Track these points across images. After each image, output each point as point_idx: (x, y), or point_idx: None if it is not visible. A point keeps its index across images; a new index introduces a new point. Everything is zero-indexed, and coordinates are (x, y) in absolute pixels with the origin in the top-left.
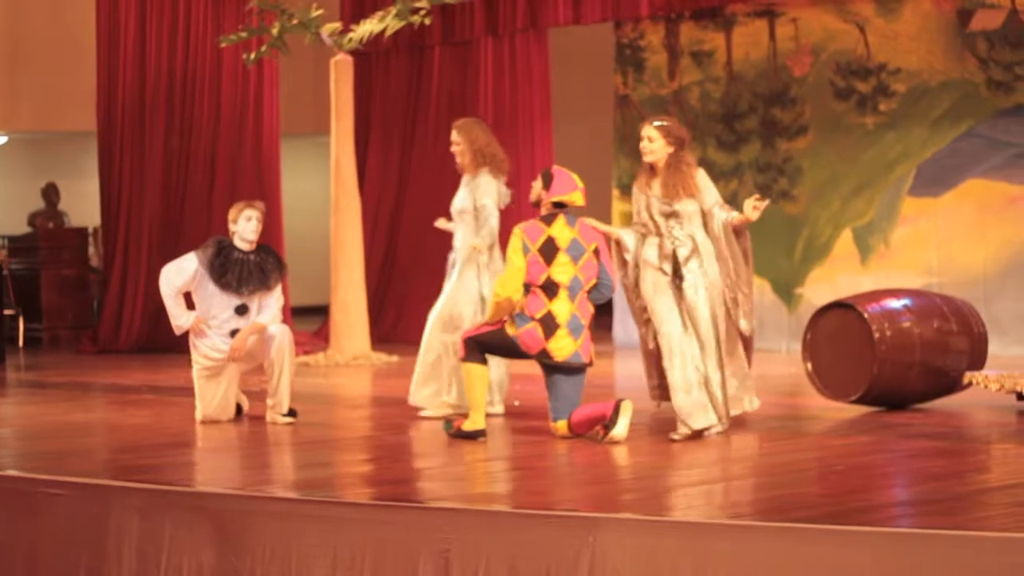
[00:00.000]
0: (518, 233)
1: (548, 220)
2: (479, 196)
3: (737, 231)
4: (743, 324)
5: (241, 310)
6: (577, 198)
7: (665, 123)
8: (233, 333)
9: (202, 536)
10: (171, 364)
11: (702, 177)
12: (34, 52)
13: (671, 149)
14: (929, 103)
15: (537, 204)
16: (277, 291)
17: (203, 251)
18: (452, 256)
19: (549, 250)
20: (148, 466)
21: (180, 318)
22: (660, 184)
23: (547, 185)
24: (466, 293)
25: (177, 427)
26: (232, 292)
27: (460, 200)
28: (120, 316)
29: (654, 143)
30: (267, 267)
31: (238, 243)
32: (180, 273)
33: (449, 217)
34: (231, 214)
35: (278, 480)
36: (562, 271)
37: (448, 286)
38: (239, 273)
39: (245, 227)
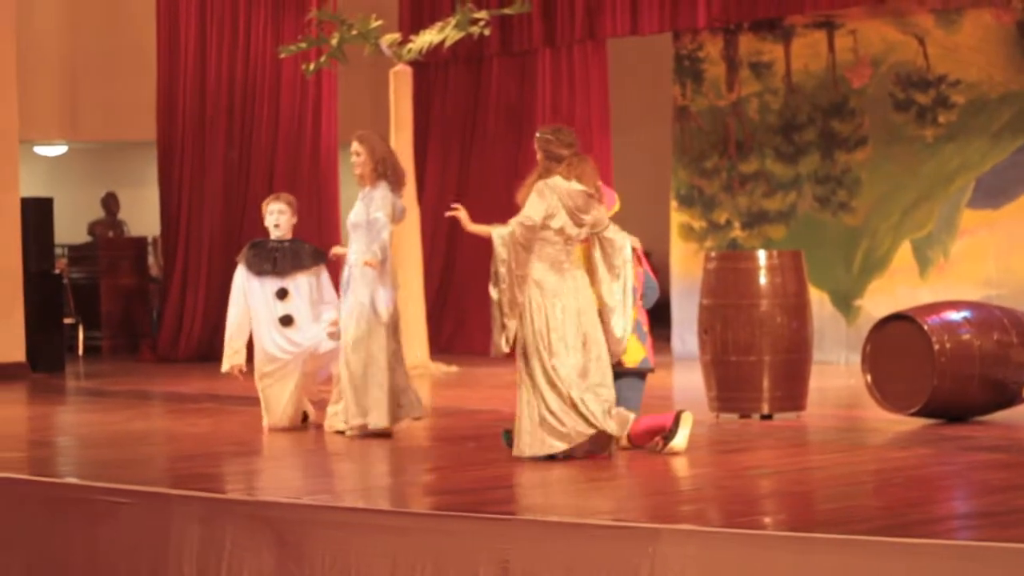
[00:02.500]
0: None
1: None
2: (373, 209)
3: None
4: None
5: (281, 294)
6: (617, 206)
7: (548, 136)
8: (283, 320)
9: (262, 545)
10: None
11: (539, 190)
12: (94, 62)
13: (540, 163)
14: (989, 115)
15: None
16: (323, 280)
17: (241, 254)
18: (346, 271)
19: None
20: (208, 475)
21: (225, 359)
22: None
23: None
24: (360, 309)
25: (237, 436)
26: (268, 275)
27: (356, 214)
28: (180, 325)
29: (537, 155)
30: (301, 252)
31: (272, 236)
32: (234, 288)
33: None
34: (263, 208)
35: (338, 489)
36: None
37: (344, 303)
38: (272, 258)
39: (269, 220)
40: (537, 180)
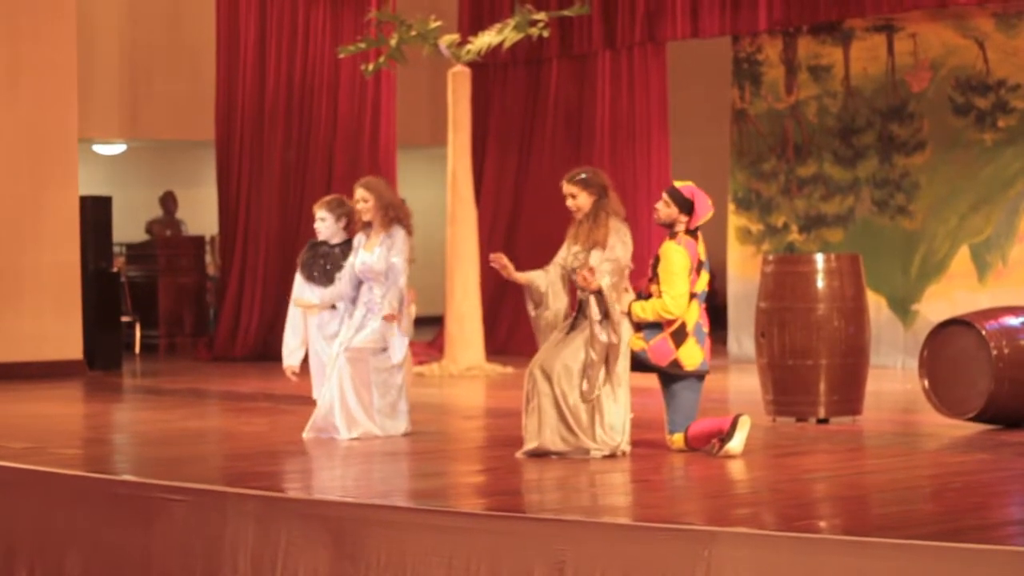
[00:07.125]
0: (684, 253)
1: (695, 236)
2: (393, 254)
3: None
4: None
5: None
6: (709, 216)
7: (583, 176)
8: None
9: (318, 544)
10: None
11: (616, 229)
12: (154, 61)
13: (594, 198)
14: None
15: (669, 225)
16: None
17: (300, 255)
18: (364, 312)
19: (699, 267)
20: (264, 473)
21: (285, 355)
22: (580, 233)
23: (687, 210)
24: (373, 334)
25: (292, 435)
26: (317, 284)
27: (379, 261)
28: (236, 324)
29: (578, 199)
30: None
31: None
32: (296, 287)
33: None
34: None
35: (393, 489)
36: (701, 284)
37: (350, 331)
38: (323, 266)
39: (316, 226)
40: (603, 214)
